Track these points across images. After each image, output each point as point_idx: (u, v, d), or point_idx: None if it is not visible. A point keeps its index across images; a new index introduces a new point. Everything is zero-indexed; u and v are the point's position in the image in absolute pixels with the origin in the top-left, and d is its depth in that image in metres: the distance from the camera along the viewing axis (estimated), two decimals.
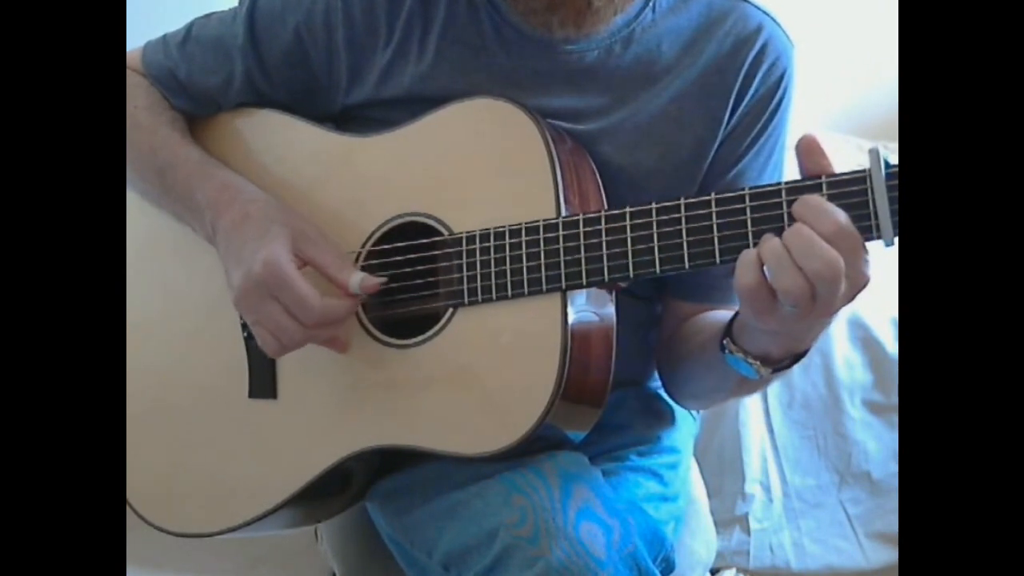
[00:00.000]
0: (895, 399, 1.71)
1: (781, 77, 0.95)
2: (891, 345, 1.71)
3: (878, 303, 1.71)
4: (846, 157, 2.12)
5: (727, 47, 0.94)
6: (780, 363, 0.83)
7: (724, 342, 0.85)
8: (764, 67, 0.94)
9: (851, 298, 0.73)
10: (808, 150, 0.74)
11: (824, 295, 0.71)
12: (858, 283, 0.72)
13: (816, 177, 0.74)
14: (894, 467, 1.73)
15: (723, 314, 0.95)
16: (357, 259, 0.93)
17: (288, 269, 0.85)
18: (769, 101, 0.95)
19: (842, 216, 0.71)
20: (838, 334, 1.72)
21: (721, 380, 0.91)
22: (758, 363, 0.83)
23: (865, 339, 1.72)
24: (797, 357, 0.83)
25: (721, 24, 0.95)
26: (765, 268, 0.72)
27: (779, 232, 0.73)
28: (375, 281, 0.88)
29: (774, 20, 0.96)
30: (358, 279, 0.88)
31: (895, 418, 1.72)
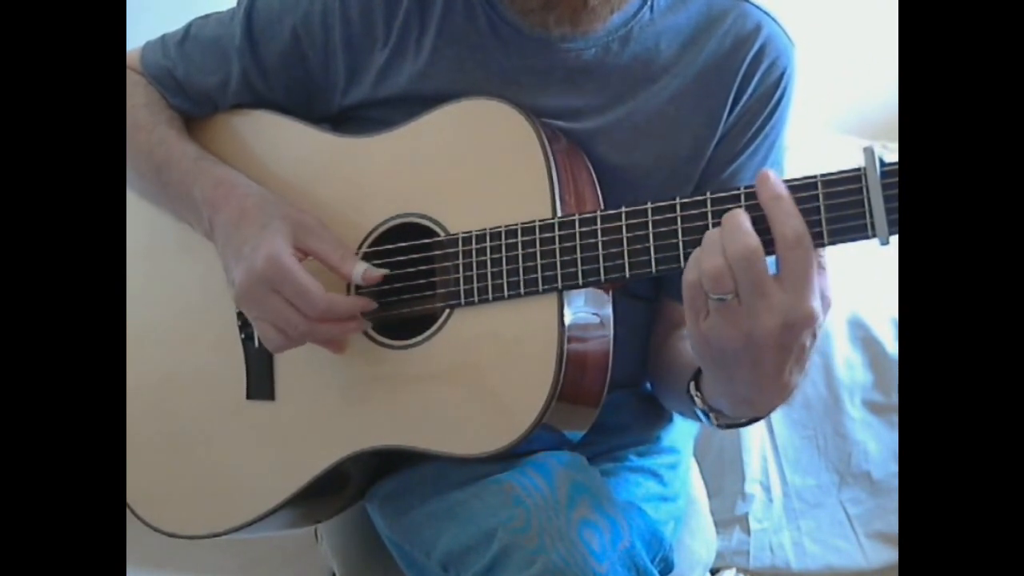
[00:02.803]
0: (895, 399, 1.71)
1: (781, 76, 0.95)
2: (891, 345, 1.71)
3: (878, 303, 1.72)
4: (846, 157, 2.12)
5: (726, 46, 0.94)
6: (731, 421, 0.84)
7: (689, 384, 0.86)
8: (763, 66, 0.94)
9: (787, 327, 0.70)
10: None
11: (744, 287, 0.70)
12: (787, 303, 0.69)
13: (809, 176, 0.74)
14: (894, 467, 1.73)
15: None
16: None
17: (290, 263, 0.85)
18: (768, 100, 0.95)
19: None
20: (838, 334, 1.72)
21: (689, 414, 0.91)
22: (713, 415, 0.85)
23: (865, 339, 1.72)
24: (747, 422, 0.84)
25: (720, 23, 0.94)
26: (700, 252, 0.73)
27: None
28: (377, 273, 0.88)
29: (774, 19, 0.96)
30: (361, 269, 0.88)
31: (895, 418, 1.72)
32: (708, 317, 0.72)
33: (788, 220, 0.70)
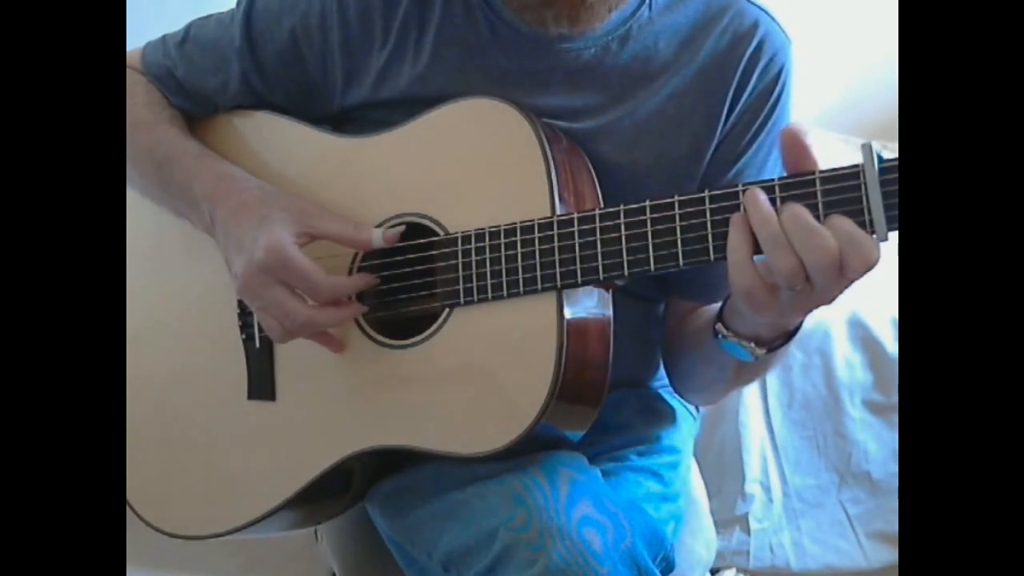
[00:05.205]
0: (895, 399, 1.71)
1: (779, 73, 0.95)
2: (891, 345, 1.71)
3: (878, 303, 1.71)
4: (844, 157, 2.12)
5: (724, 44, 0.94)
6: (773, 342, 0.84)
7: (716, 327, 0.86)
8: (762, 63, 0.94)
9: (852, 283, 0.73)
10: (790, 144, 0.74)
11: (820, 281, 0.72)
12: (856, 268, 0.72)
13: (807, 173, 0.74)
14: (894, 467, 1.73)
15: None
16: (354, 260, 0.93)
17: (291, 251, 0.85)
18: (767, 97, 0.95)
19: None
20: (838, 334, 1.72)
21: (719, 369, 0.92)
22: (752, 344, 0.84)
23: (865, 339, 1.72)
24: (790, 335, 0.84)
25: (718, 21, 0.94)
26: (762, 245, 0.73)
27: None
28: (394, 232, 0.89)
29: (770, 16, 0.96)
30: (379, 234, 0.89)
31: (895, 418, 1.72)
32: (776, 304, 0.75)
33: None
